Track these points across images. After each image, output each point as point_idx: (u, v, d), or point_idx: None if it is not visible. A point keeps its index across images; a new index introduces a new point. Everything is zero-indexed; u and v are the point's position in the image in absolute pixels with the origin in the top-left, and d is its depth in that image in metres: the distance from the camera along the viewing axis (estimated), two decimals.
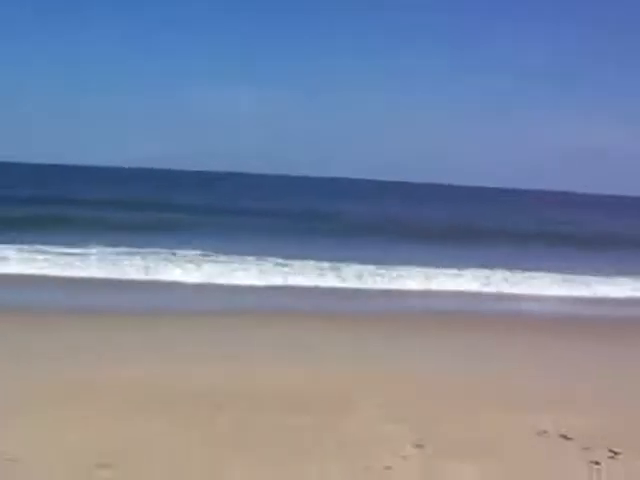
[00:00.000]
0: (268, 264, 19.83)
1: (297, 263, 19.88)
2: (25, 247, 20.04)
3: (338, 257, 20.72)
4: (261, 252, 21.16)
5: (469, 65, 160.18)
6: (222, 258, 20.58)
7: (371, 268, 19.69)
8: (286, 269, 19.20)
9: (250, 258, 20.46)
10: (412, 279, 18.86)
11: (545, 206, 72.94)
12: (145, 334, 11.10)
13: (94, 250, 20.45)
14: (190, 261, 19.80)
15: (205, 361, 9.39)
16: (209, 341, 10.94)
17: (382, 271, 19.48)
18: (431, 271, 19.81)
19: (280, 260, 20.25)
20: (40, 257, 18.86)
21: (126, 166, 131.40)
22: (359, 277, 18.82)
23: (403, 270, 19.80)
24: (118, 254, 20.28)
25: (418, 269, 19.98)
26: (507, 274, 20.30)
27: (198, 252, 21.23)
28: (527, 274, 20.48)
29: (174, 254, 20.81)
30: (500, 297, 17.83)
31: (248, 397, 7.64)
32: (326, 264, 19.84)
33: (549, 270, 20.92)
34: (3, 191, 44.14)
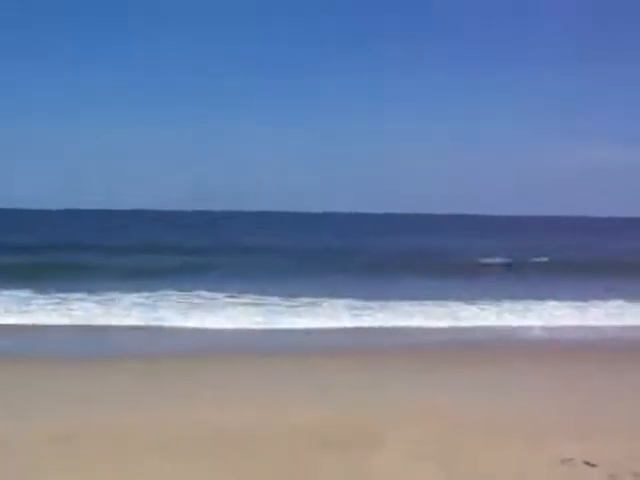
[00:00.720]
0: (298, 304, 20.28)
1: (328, 302, 20.42)
2: (50, 295, 20.71)
3: (367, 295, 21.30)
4: (288, 292, 21.62)
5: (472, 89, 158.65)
6: (248, 299, 21.02)
7: (404, 304, 20.21)
8: (319, 309, 19.70)
9: (274, 299, 20.93)
10: (435, 315, 19.21)
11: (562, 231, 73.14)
12: (190, 377, 11.62)
13: (121, 297, 20.88)
14: (216, 304, 20.31)
15: (238, 402, 9.71)
16: (242, 381, 11.31)
17: (410, 308, 19.94)
18: (454, 305, 20.44)
19: (311, 299, 20.75)
20: (73, 306, 19.34)
21: (123, 208, 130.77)
22: (390, 313, 19.17)
23: (427, 305, 20.38)
24: (148, 299, 20.75)
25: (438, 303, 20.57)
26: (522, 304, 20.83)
27: (224, 294, 21.66)
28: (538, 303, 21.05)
29: (198, 296, 21.31)
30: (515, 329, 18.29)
31: (280, 436, 7.85)
32: (358, 303, 20.36)
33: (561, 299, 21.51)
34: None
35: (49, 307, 19.14)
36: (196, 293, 21.81)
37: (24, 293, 21.10)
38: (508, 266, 35.79)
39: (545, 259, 37.53)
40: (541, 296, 21.89)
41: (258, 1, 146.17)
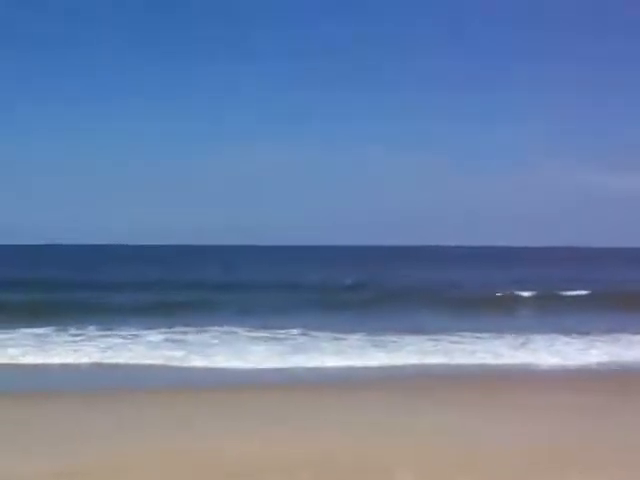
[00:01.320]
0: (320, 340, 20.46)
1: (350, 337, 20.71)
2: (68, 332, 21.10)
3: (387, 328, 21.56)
4: (308, 326, 21.96)
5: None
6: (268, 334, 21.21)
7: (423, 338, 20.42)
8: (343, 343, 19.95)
9: (295, 331, 21.32)
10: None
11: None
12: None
13: (146, 333, 21.13)
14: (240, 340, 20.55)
15: (238, 435, 9.75)
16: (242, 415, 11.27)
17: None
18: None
19: (334, 334, 21.02)
20: (88, 343, 19.65)
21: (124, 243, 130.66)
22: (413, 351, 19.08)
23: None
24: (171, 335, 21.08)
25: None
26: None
27: (244, 328, 21.99)
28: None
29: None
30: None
31: (281, 469, 7.92)
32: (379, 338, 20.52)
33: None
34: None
35: (67, 345, 19.39)
36: (215, 329, 21.96)
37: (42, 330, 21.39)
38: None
39: (583, 292, 35.55)
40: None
41: None
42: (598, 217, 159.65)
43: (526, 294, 35.37)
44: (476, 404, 12.45)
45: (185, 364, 17.22)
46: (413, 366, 16.92)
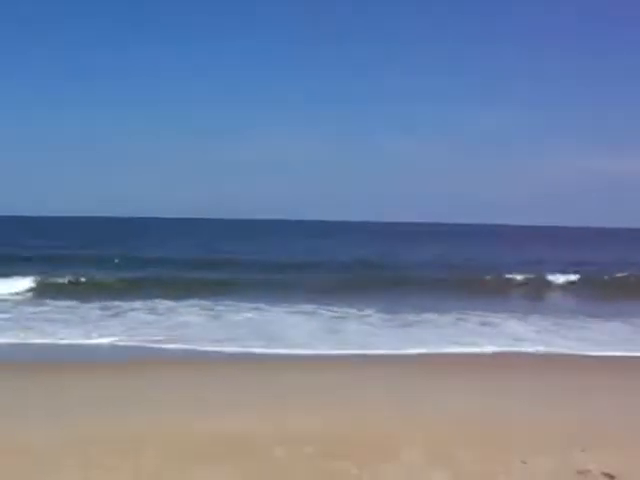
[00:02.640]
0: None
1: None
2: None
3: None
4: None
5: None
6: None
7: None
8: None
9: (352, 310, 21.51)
10: None
11: None
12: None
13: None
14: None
15: (239, 407, 9.67)
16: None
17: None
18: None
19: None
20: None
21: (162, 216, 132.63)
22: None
23: None
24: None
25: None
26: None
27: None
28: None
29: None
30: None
31: (288, 443, 7.86)
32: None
33: None
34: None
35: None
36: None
37: None
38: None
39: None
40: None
41: None
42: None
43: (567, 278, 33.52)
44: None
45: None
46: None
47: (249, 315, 20.79)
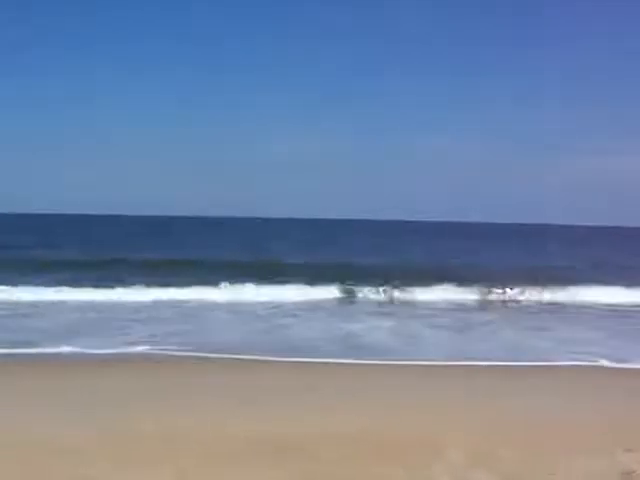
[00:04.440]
0: None
1: None
2: None
3: None
4: None
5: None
6: None
7: None
8: None
9: None
10: None
11: None
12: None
13: None
14: None
15: (291, 412, 9.72)
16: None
17: None
18: None
19: None
20: None
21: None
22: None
23: None
24: None
25: None
26: None
27: None
28: None
29: None
30: None
31: (334, 444, 7.96)
32: None
33: None
34: None
35: None
36: None
37: None
38: None
39: None
40: None
41: None
42: None
43: None
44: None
45: None
46: None
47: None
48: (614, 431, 8.77)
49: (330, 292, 26.20)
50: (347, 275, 28.64)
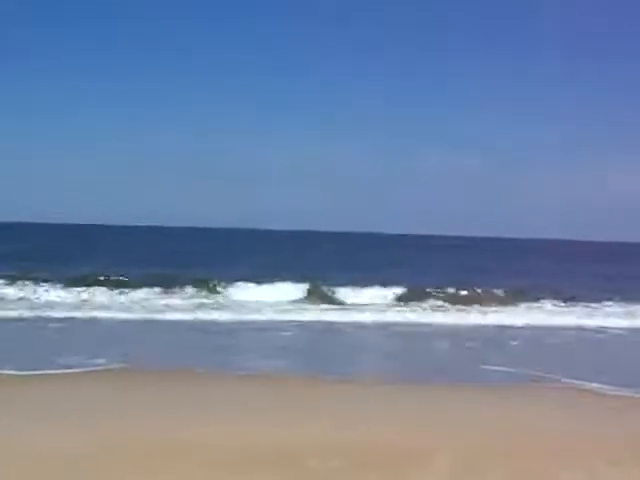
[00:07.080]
0: None
1: None
2: None
3: None
4: None
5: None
6: None
7: None
8: None
9: None
10: None
11: None
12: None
13: None
14: None
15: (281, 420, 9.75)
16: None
17: None
18: None
19: None
20: None
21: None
22: None
23: None
24: None
25: None
26: None
27: None
28: None
29: None
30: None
31: (321, 454, 7.95)
32: None
33: None
34: None
35: None
36: None
37: None
38: None
39: None
40: None
41: None
42: None
43: None
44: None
45: None
46: None
47: None
48: (600, 445, 8.81)
49: None
50: None
